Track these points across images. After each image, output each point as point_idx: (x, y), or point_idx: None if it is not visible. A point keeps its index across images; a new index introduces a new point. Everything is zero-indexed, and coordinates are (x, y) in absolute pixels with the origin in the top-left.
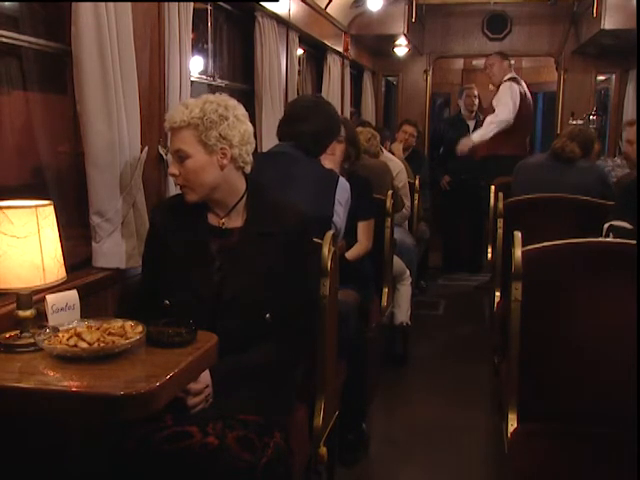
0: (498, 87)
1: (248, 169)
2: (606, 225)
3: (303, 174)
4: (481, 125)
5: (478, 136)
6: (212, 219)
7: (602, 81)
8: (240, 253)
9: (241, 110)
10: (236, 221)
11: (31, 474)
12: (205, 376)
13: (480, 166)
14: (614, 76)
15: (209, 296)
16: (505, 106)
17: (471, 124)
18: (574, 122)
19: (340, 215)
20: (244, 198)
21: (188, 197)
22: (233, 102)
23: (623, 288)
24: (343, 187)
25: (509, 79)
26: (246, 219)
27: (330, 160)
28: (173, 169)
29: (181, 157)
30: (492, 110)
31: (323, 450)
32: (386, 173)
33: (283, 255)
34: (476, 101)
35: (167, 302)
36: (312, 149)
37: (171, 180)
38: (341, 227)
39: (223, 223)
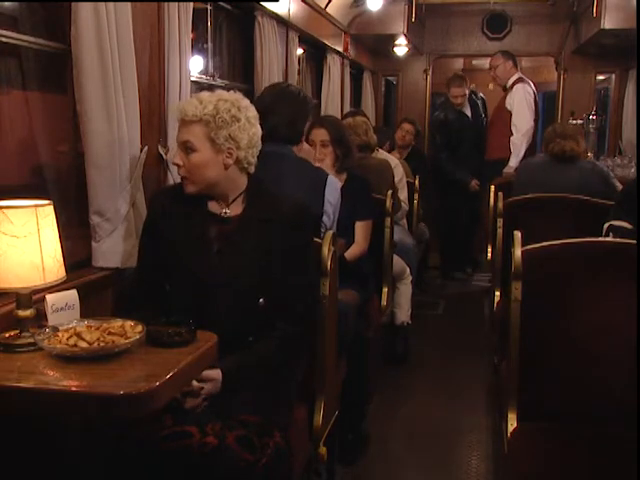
0: (503, 88)
1: (252, 170)
2: (606, 225)
3: (292, 174)
4: (478, 106)
5: (515, 162)
6: (212, 206)
7: (602, 81)
8: (238, 238)
9: (253, 112)
10: (236, 209)
11: (30, 473)
12: (214, 374)
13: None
14: (614, 76)
15: (206, 279)
16: (522, 117)
17: (467, 111)
18: (574, 122)
19: (330, 214)
20: (246, 190)
21: (187, 188)
22: (246, 102)
23: (623, 288)
24: (332, 186)
25: (518, 80)
26: (245, 206)
27: (321, 165)
28: (177, 159)
29: (188, 149)
30: (506, 112)
31: (323, 450)
32: (387, 170)
33: (281, 242)
34: (461, 100)
35: (167, 287)
36: (291, 137)
37: (170, 179)
38: (330, 226)
39: (225, 212)
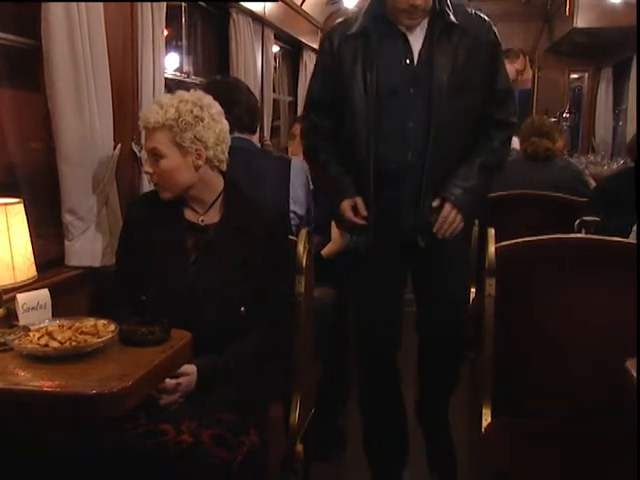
0: None
1: (224, 167)
2: (577, 221)
3: (257, 168)
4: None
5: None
6: (189, 215)
7: (575, 79)
8: (216, 247)
9: (216, 108)
10: (213, 217)
11: (7, 471)
12: (189, 369)
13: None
14: (587, 74)
15: (183, 289)
16: None
17: (414, 39)
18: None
19: (301, 198)
20: (222, 194)
21: (162, 195)
22: (208, 100)
23: (595, 283)
24: (297, 168)
25: None
26: (223, 215)
27: (297, 159)
28: (148, 168)
29: (155, 156)
30: None
31: (299, 447)
32: None
33: (259, 250)
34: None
35: (144, 297)
36: (253, 126)
37: (145, 178)
38: (303, 214)
39: (202, 220)
